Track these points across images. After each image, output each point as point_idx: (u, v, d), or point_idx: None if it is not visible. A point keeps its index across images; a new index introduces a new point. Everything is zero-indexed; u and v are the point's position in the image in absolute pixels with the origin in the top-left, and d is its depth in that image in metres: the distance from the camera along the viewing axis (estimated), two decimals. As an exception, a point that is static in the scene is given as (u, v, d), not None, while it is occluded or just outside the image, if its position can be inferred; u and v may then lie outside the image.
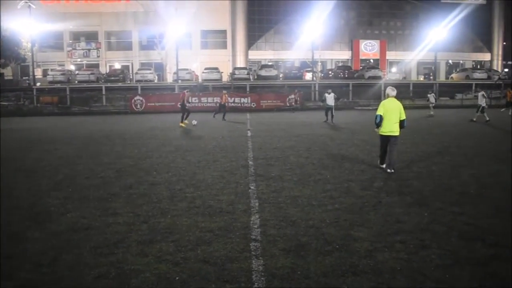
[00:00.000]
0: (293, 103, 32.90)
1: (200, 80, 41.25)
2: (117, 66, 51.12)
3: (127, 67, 50.55)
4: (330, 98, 22.33)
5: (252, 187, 7.93)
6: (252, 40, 55.13)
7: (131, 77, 45.20)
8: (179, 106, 21.39)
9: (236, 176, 8.99)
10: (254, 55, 54.99)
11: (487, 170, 9.40)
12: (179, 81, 38.79)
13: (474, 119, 21.43)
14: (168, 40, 45.05)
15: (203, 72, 41.43)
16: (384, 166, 9.35)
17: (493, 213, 6.27)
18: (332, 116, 21.76)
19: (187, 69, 41.70)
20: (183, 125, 20.17)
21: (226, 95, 27.10)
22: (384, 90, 9.35)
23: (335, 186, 7.93)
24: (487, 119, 20.76)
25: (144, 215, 6.36)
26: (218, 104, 27.22)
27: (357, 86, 38.65)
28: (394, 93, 9.37)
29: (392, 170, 9.03)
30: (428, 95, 28.42)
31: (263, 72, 41.26)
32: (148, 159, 11.26)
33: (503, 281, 4.20)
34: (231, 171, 9.53)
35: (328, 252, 4.86)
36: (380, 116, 9.12)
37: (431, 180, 8.47)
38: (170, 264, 4.64)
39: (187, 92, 22.26)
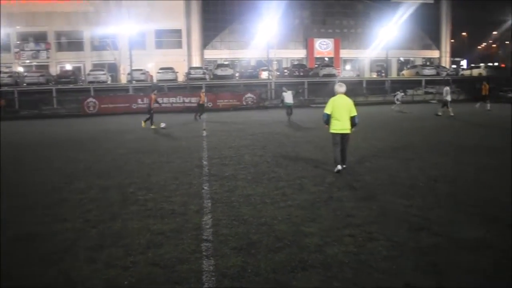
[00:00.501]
0: (249, 102, 32.99)
1: (155, 81, 40.61)
2: (68, 67, 49.48)
3: (78, 68, 49.04)
4: (288, 96, 22.11)
5: (205, 188, 7.89)
6: (207, 39, 54.80)
7: (83, 78, 43.89)
8: (148, 108, 20.71)
9: (190, 177, 8.91)
10: (210, 54, 54.69)
11: (434, 162, 9.75)
12: (133, 81, 38.04)
13: (439, 113, 22.02)
14: (121, 40, 44.10)
15: (158, 72, 40.79)
16: (339, 167, 8.80)
17: (438, 204, 6.51)
18: (291, 113, 21.64)
19: (141, 70, 40.90)
20: (154, 127, 19.52)
21: (204, 94, 25.77)
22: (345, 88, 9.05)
23: (288, 183, 8.01)
24: (452, 114, 21.44)
25: (94, 220, 6.20)
26: (197, 104, 25.84)
27: (312, 84, 39.13)
28: (343, 89, 9.00)
29: (344, 166, 8.95)
30: (397, 92, 28.96)
31: (219, 72, 41.08)
32: (100, 163, 10.99)
33: (441, 268, 4.36)
34: (185, 172, 9.44)
35: (278, 249, 4.90)
36: (327, 114, 8.86)
37: (381, 174, 8.69)
38: (119, 269, 4.54)
39: (154, 94, 21.20)
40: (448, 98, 22.23)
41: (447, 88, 22.94)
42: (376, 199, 6.86)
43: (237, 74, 43.77)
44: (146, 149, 13.11)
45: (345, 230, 5.47)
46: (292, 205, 6.59)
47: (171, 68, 41.08)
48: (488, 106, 25.49)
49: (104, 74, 40.93)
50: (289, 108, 21.88)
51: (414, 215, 5.99)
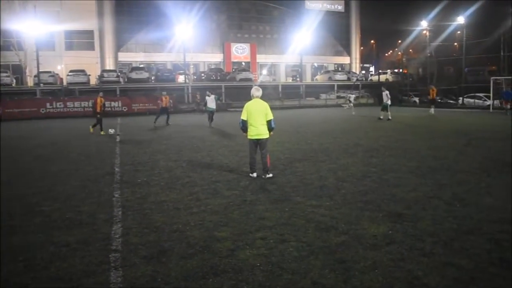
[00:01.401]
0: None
1: (65, 84, 38.54)
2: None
3: (-22, 70, 45.19)
4: (211, 101, 21.63)
5: (116, 195, 7.59)
6: (122, 41, 52.98)
7: (-17, 81, 40.44)
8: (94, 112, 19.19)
9: (100, 184, 8.54)
10: (125, 57, 52.97)
11: (343, 163, 10.22)
12: (41, 84, 35.78)
13: (381, 117, 22.91)
14: (27, 41, 41.30)
15: (68, 75, 38.79)
16: (254, 175, 8.75)
17: (345, 203, 6.82)
18: (212, 119, 21.18)
19: (50, 72, 38.61)
20: (103, 133, 18.16)
21: (168, 97, 23.72)
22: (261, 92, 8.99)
23: (202, 188, 7.95)
24: (389, 118, 22.45)
25: (-10, 235, 5.71)
26: (160, 108, 23.38)
27: (229, 88, 39.43)
28: (259, 93, 8.85)
29: (270, 175, 8.70)
30: (350, 95, 29.43)
31: (134, 75, 39.92)
32: (1, 172, 10.17)
33: (347, 265, 4.56)
34: (95, 179, 9.03)
35: (190, 255, 4.83)
36: (243, 120, 8.70)
37: (294, 176, 8.93)
38: (17, 287, 4.22)
39: (100, 96, 19.17)
40: (389, 102, 23.10)
41: (387, 92, 23.46)
42: (288, 201, 7.03)
43: (153, 78, 42.82)
44: (52, 156, 12.38)
45: (257, 233, 5.54)
46: (206, 210, 6.55)
47: (82, 71, 39.28)
48: (432, 110, 27.09)
49: (8, 76, 38.04)
50: (210, 112, 21.53)
51: (323, 215, 6.21)
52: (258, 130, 8.68)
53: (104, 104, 19.34)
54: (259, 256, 4.80)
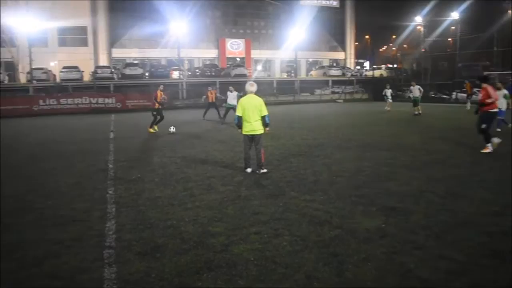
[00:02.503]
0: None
1: (58, 80, 38.33)
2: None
3: (-30, 66, 44.83)
4: (232, 97, 20.10)
5: (110, 192, 7.57)
6: (115, 37, 52.69)
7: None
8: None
9: (94, 181, 8.52)
10: (118, 53, 52.68)
11: (337, 158, 10.25)
12: (34, 81, 35.56)
13: (416, 112, 22.73)
14: (19, 37, 41.00)
15: (61, 71, 38.58)
16: (249, 170, 8.76)
17: (339, 197, 6.84)
18: (225, 117, 20.19)
19: (42, 68, 38.36)
20: (152, 131, 16.81)
21: (214, 91, 22.94)
22: (256, 87, 8.94)
23: (196, 184, 7.95)
24: (416, 112, 22.44)
25: (-17, 232, 5.68)
26: (207, 103, 22.60)
27: (224, 84, 39.30)
28: (253, 88, 8.77)
29: (265, 170, 8.70)
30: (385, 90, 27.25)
31: (128, 71, 39.74)
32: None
33: (341, 259, 4.58)
34: (88, 176, 9.01)
35: (184, 251, 4.83)
36: (238, 117, 8.69)
37: (288, 171, 8.95)
38: (10, 284, 4.21)
39: (160, 90, 17.22)
40: (419, 96, 23.05)
41: (419, 86, 23.48)
42: (283, 195, 7.04)
43: (147, 74, 42.67)
44: (46, 153, 12.33)
45: (251, 228, 5.55)
46: (200, 206, 6.55)
47: (75, 67, 39.07)
48: (468, 105, 26.64)
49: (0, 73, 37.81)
50: (229, 109, 19.93)
51: (316, 209, 6.23)
52: (253, 126, 8.65)
53: (164, 98, 17.63)
54: (253, 251, 4.81)
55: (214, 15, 58.79)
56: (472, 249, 4.77)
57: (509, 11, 41.49)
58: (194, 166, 9.72)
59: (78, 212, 6.44)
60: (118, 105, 32.81)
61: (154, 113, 17.11)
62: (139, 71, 40.46)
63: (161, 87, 17.49)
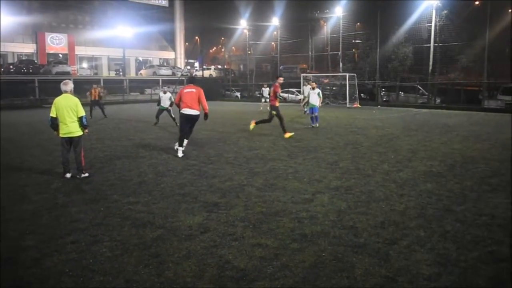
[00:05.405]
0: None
1: None
2: None
3: None
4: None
5: None
6: None
7: None
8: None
9: None
10: None
11: (164, 158, 10.23)
12: None
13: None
14: None
15: None
16: (68, 175, 8.26)
17: (163, 197, 6.84)
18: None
19: None
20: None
21: (98, 89, 21.49)
22: (72, 86, 8.27)
23: (7, 195, 7.11)
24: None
25: None
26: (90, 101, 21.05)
27: (44, 82, 36.00)
28: (67, 87, 8.25)
29: (86, 174, 8.29)
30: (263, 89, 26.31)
31: None
32: None
33: (162, 259, 4.59)
34: None
35: (-16, 271, 4.29)
36: (52, 118, 8.15)
37: (112, 174, 8.62)
38: None
39: (278, 82, 13.86)
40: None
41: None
42: (104, 200, 6.75)
43: None
44: None
45: (68, 237, 5.19)
46: (10, 219, 5.86)
47: None
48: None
49: None
50: (163, 111, 18.09)
51: (140, 211, 6.13)
52: (69, 128, 8.15)
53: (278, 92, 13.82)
54: (68, 261, 4.51)
55: (30, 6, 53.06)
56: (284, 235, 5.24)
57: (321, 21, 46.51)
58: (5, 175, 8.67)
59: None
60: None
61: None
62: None
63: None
